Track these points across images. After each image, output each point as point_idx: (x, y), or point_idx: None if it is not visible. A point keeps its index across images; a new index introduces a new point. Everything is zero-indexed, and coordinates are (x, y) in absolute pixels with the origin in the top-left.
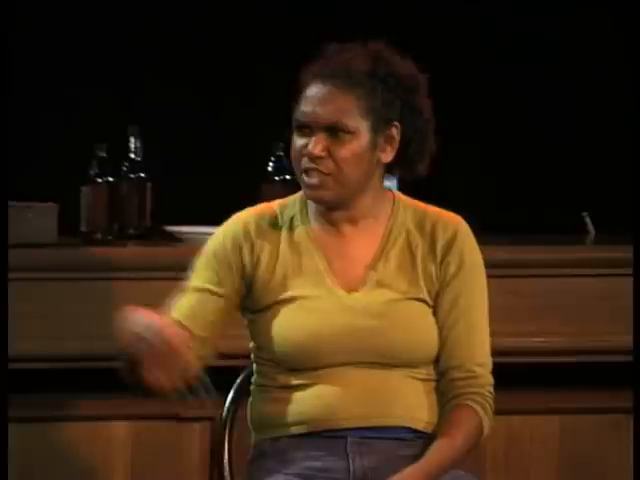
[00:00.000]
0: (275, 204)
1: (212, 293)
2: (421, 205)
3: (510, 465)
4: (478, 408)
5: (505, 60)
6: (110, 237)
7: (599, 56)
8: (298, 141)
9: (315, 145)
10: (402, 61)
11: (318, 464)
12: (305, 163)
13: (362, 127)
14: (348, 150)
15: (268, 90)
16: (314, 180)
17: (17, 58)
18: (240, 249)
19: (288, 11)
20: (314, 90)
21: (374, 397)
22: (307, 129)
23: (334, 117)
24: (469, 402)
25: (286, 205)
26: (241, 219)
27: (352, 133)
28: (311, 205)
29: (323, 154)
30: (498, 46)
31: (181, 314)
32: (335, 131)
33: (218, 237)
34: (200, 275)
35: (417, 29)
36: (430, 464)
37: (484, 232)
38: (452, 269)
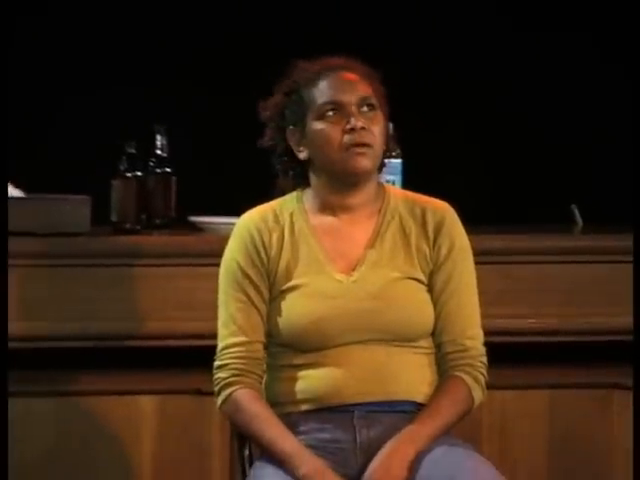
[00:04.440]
0: (274, 203)
1: (262, 309)
2: (409, 193)
3: (505, 436)
4: (467, 378)
5: (498, 54)
6: (138, 227)
7: (589, 51)
8: (330, 124)
9: (357, 120)
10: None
11: (327, 436)
12: (350, 139)
13: (380, 110)
14: (378, 126)
15: None
16: (362, 150)
17: (51, 60)
18: (263, 250)
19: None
20: (335, 77)
21: (378, 374)
22: (337, 112)
23: (367, 92)
24: (459, 373)
25: (284, 203)
26: (248, 224)
27: (377, 110)
28: (308, 200)
29: (365, 126)
30: (488, 42)
31: (250, 332)
32: (366, 106)
33: (242, 244)
34: (239, 290)
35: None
36: (418, 432)
37: (479, 223)
38: (444, 251)
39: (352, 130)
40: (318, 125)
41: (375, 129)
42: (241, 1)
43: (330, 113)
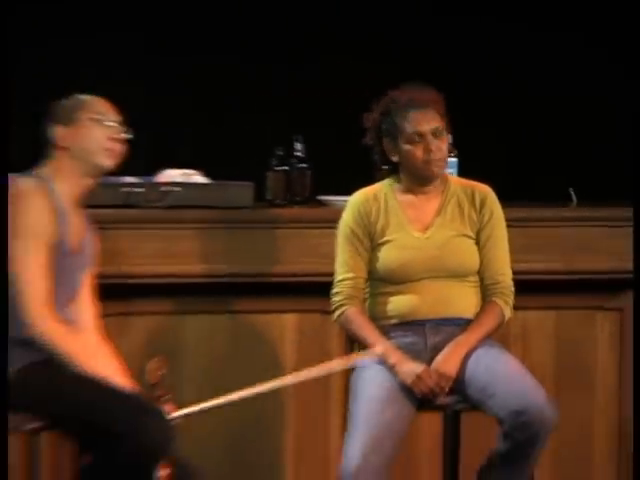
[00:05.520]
0: (375, 186)
1: (365, 256)
2: (463, 180)
3: (525, 342)
4: (500, 302)
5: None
6: (284, 203)
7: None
8: (415, 146)
9: (432, 145)
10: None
11: (408, 340)
12: (427, 158)
13: (445, 130)
14: (444, 144)
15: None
16: (440, 164)
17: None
18: (367, 217)
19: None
20: (418, 113)
21: (442, 299)
22: (419, 138)
23: (437, 122)
24: (495, 298)
25: (381, 186)
26: (357, 200)
27: (444, 132)
28: (397, 185)
29: (437, 148)
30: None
31: (356, 270)
32: (437, 132)
33: (353, 213)
34: (354, 244)
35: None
36: (467, 338)
37: (508, 199)
38: (486, 218)
39: (429, 151)
40: (407, 147)
41: (442, 147)
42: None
43: (415, 139)
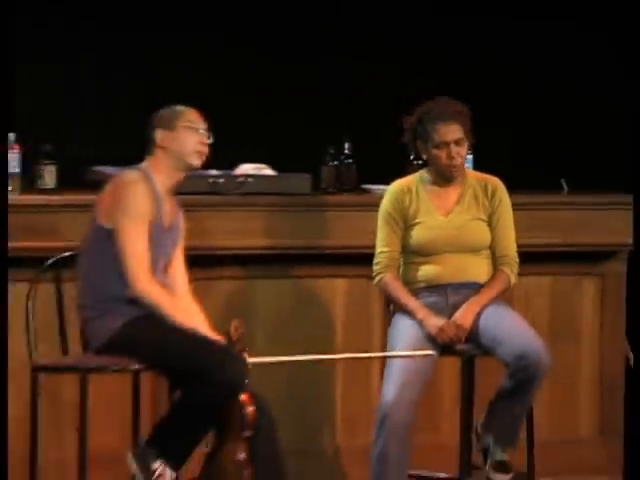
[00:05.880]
0: (408, 178)
1: (399, 234)
2: (478, 173)
3: (526, 302)
4: (507, 270)
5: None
6: (335, 191)
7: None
8: (441, 151)
9: (458, 152)
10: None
11: (433, 299)
12: (450, 162)
13: (466, 138)
14: (464, 150)
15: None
16: (459, 167)
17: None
18: (402, 203)
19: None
20: (446, 126)
21: (460, 267)
22: (444, 145)
23: (460, 134)
24: (502, 267)
25: (413, 178)
26: (394, 189)
27: (465, 140)
28: (426, 177)
29: (457, 155)
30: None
31: (392, 245)
32: (460, 141)
33: (390, 199)
34: (391, 224)
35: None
36: (480, 298)
37: (514, 187)
38: (496, 204)
39: (451, 158)
40: (434, 151)
41: (462, 152)
42: None
43: (441, 146)
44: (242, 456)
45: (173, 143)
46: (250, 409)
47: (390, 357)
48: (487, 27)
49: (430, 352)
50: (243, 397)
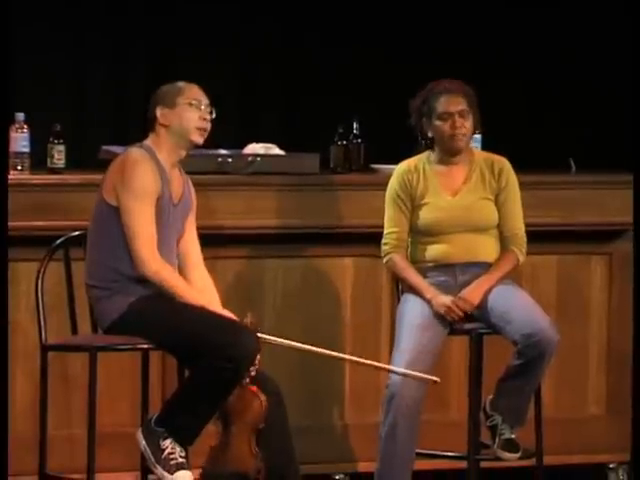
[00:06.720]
0: (415, 158)
1: (407, 214)
2: (485, 153)
3: (533, 279)
4: (515, 249)
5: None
6: (344, 170)
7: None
8: (444, 123)
9: (462, 123)
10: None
11: (441, 279)
12: (452, 132)
13: (471, 112)
14: (468, 122)
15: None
16: (463, 138)
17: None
18: (409, 183)
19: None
20: (448, 97)
21: (469, 247)
22: (448, 116)
23: (463, 105)
24: (511, 247)
25: (420, 158)
26: (401, 168)
27: (469, 113)
28: (432, 157)
29: (461, 125)
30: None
31: (400, 225)
32: (463, 112)
33: (398, 179)
34: (398, 205)
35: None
36: (489, 277)
37: (520, 167)
38: (503, 184)
39: (455, 127)
40: (438, 122)
41: (466, 124)
42: None
43: (444, 116)
44: (253, 447)
45: (174, 120)
46: (262, 399)
47: (394, 372)
48: (496, 7)
49: (434, 378)
50: (253, 389)
